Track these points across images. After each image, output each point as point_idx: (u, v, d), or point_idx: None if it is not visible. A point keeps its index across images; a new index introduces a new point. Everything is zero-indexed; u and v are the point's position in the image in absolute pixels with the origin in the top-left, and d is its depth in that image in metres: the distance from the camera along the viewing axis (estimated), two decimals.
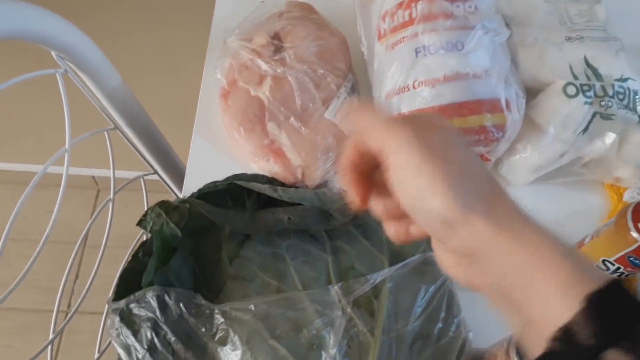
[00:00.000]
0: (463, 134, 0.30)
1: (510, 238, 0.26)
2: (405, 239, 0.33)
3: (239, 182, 0.50)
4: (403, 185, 0.28)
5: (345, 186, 0.32)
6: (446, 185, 0.27)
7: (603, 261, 0.44)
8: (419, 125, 0.29)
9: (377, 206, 0.33)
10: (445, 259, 0.31)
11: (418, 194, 0.28)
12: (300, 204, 0.49)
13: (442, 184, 0.27)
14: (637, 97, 0.53)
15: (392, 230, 0.33)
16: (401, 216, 0.32)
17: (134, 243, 0.77)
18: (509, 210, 0.27)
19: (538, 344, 0.25)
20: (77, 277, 1.31)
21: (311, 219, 0.48)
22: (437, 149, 0.28)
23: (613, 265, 0.43)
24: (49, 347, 0.59)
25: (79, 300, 0.64)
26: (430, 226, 0.28)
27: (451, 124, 0.30)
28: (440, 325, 0.44)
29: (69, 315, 0.63)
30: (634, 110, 0.53)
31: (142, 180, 0.76)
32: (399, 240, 0.33)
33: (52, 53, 0.55)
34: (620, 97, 0.53)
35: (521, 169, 0.54)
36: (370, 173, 0.32)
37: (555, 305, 0.24)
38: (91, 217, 0.65)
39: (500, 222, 0.27)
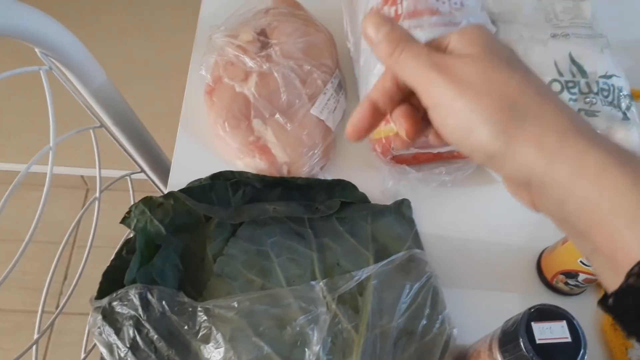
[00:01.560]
0: (497, 46, 0.27)
1: (566, 164, 0.23)
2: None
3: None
4: (441, 123, 0.27)
5: (359, 109, 0.31)
6: (484, 115, 0.25)
7: None
8: (456, 55, 0.27)
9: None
10: (506, 186, 0.28)
11: (457, 132, 0.26)
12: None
13: (480, 115, 0.25)
14: (621, 93, 0.53)
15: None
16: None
17: (122, 242, 0.77)
18: (563, 129, 0.24)
19: (608, 273, 0.23)
20: (65, 277, 1.30)
21: (297, 209, 0.48)
22: (472, 78, 0.26)
23: None
24: (34, 347, 0.58)
25: (64, 301, 0.64)
26: (478, 160, 0.27)
27: (485, 35, 0.27)
28: (424, 321, 0.44)
29: (54, 315, 0.62)
30: (619, 107, 0.53)
31: (129, 178, 0.75)
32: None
33: (36, 50, 0.55)
34: (605, 94, 0.53)
35: None
36: (386, 111, 0.31)
37: (626, 236, 0.22)
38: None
39: (552, 147, 0.23)
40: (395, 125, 0.31)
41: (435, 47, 0.29)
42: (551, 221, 0.26)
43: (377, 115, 0.31)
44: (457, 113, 0.26)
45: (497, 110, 0.25)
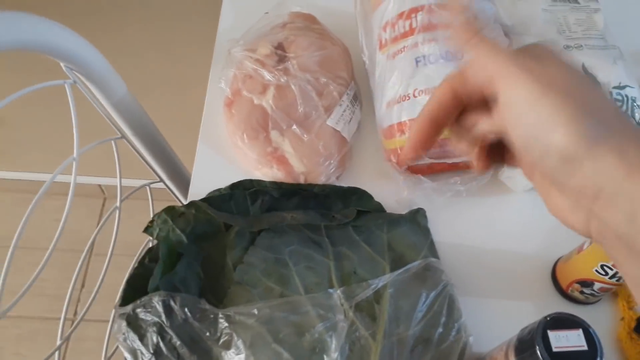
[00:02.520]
0: (580, 70, 0.28)
1: None
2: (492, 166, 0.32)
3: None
4: (519, 120, 0.26)
5: (413, 133, 0.31)
6: (570, 116, 0.24)
7: (601, 266, 0.44)
8: (536, 58, 0.27)
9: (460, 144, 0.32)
10: (559, 203, 0.28)
11: (536, 128, 0.25)
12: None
13: (566, 115, 0.24)
14: (635, 104, 0.54)
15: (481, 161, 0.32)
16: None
17: (140, 251, 0.78)
18: None
19: None
20: (83, 285, 1.32)
21: (314, 217, 0.49)
22: (558, 81, 0.26)
23: (612, 269, 0.44)
24: (57, 353, 0.60)
25: (85, 308, 0.65)
26: (547, 164, 0.26)
27: (569, 58, 0.28)
28: (440, 329, 0.45)
29: (76, 322, 0.64)
30: (633, 117, 0.53)
31: (148, 188, 0.77)
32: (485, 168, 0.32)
33: (61, 64, 0.57)
34: (619, 104, 0.53)
35: (520, 175, 0.54)
36: (446, 123, 0.31)
37: None
38: (97, 225, 0.67)
39: (633, 159, 0.24)
40: (472, 163, 0.32)
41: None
42: (606, 250, 0.26)
43: (436, 129, 0.31)
44: (540, 110, 0.25)
45: (584, 113, 0.25)
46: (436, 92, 0.31)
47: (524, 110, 0.26)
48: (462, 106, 0.31)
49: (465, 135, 0.32)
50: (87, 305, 0.65)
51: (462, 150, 0.32)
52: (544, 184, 0.29)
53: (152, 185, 0.78)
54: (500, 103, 0.27)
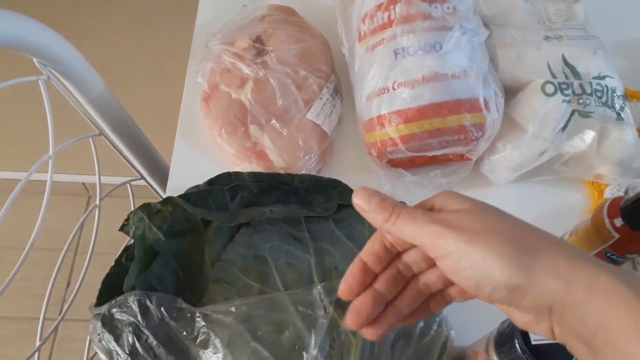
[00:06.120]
0: (480, 202, 0.31)
1: (581, 287, 0.26)
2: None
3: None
4: (458, 269, 0.29)
5: (350, 272, 0.33)
6: (499, 255, 0.27)
7: None
8: (444, 214, 0.30)
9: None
10: (525, 321, 0.30)
11: (476, 273, 0.28)
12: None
13: (494, 257, 0.27)
14: (615, 94, 0.54)
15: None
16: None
17: (122, 249, 0.77)
18: (569, 256, 0.27)
19: None
20: (68, 284, 1.31)
21: (294, 209, 0.49)
22: (472, 227, 0.28)
23: None
24: (36, 354, 0.59)
25: (66, 307, 0.64)
26: (500, 297, 0.28)
27: (464, 195, 0.31)
28: (422, 324, 0.44)
29: (56, 322, 0.63)
30: (612, 107, 0.53)
31: (129, 185, 0.76)
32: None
33: (34, 60, 0.56)
34: (599, 94, 0.53)
35: (502, 168, 0.54)
36: (378, 273, 0.33)
37: (636, 352, 0.24)
38: (81, 224, 0.65)
39: (566, 273, 0.26)
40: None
41: (422, 208, 0.32)
42: (571, 350, 0.28)
43: (367, 274, 0.33)
44: (471, 256, 0.28)
45: (510, 247, 0.27)
46: (367, 244, 0.34)
47: (457, 260, 0.28)
48: (393, 257, 0.33)
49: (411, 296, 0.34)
50: (67, 304, 0.64)
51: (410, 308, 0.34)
52: (505, 307, 0.31)
53: (133, 183, 0.77)
54: (437, 259, 0.30)
